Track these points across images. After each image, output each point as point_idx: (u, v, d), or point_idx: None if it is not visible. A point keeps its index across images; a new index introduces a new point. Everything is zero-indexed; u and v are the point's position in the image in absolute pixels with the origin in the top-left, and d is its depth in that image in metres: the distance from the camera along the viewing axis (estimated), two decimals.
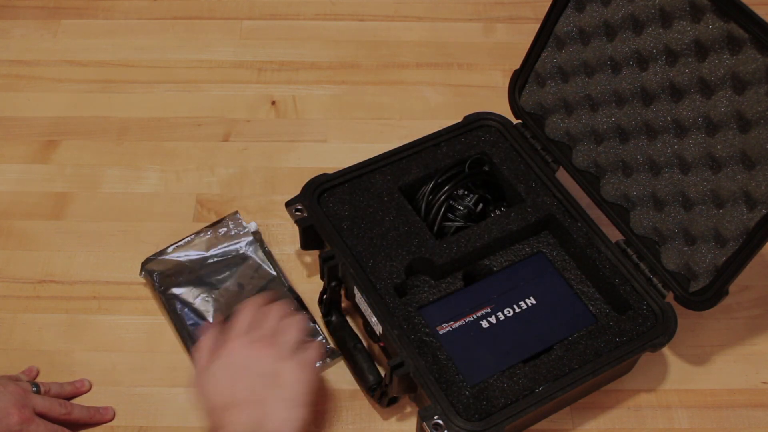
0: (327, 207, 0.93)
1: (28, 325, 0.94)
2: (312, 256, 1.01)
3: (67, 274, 0.99)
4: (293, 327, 0.78)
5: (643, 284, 0.87)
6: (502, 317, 0.86)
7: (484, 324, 0.86)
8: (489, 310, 0.87)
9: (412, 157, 0.98)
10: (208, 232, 1.00)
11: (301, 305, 0.95)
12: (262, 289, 0.96)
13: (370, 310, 0.86)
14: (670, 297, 0.87)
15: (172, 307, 0.94)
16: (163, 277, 0.96)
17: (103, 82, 1.20)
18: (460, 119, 1.02)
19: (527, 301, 0.88)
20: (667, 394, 0.91)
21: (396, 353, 0.82)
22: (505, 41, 1.28)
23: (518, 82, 1.00)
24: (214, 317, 0.93)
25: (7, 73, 1.21)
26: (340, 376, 0.91)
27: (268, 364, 0.74)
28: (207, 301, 0.94)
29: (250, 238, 1.00)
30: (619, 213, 0.91)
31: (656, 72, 0.85)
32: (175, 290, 0.95)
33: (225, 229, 1.00)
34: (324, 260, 0.88)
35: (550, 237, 0.94)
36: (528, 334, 0.85)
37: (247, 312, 0.80)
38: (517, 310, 0.87)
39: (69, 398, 0.88)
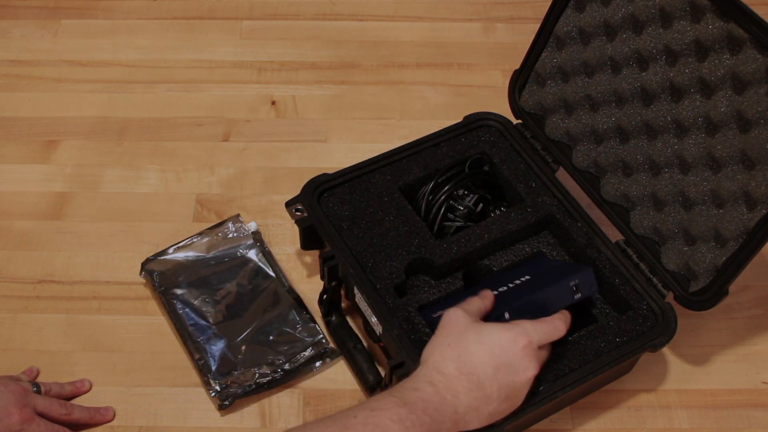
0: (327, 207, 0.93)
1: (28, 325, 0.94)
2: (312, 256, 1.01)
3: (67, 274, 0.99)
4: None
5: (643, 284, 0.87)
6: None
7: None
8: None
9: (412, 157, 0.98)
10: (209, 234, 1.00)
11: (300, 305, 0.95)
12: (262, 290, 0.96)
13: (370, 310, 0.86)
14: (670, 297, 0.87)
15: (172, 308, 0.94)
16: (163, 278, 0.96)
17: (103, 82, 1.20)
18: (460, 119, 1.02)
19: (522, 279, 0.86)
20: (667, 394, 0.91)
21: (396, 353, 0.82)
22: (505, 41, 1.28)
23: (518, 82, 1.00)
24: (214, 318, 0.93)
25: (7, 73, 1.21)
26: (340, 376, 0.91)
27: None
28: (207, 301, 0.94)
29: (251, 240, 1.00)
30: (619, 213, 0.91)
31: (656, 72, 0.85)
32: (176, 290, 0.95)
33: (226, 231, 1.00)
34: (324, 260, 0.88)
35: (550, 237, 0.94)
36: (522, 298, 0.83)
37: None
38: (511, 285, 0.85)
39: (69, 398, 0.88)
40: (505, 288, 0.85)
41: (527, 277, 0.87)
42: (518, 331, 0.75)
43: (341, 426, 0.67)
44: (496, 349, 0.74)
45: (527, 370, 0.74)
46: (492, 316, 0.81)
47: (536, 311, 0.81)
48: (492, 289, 0.84)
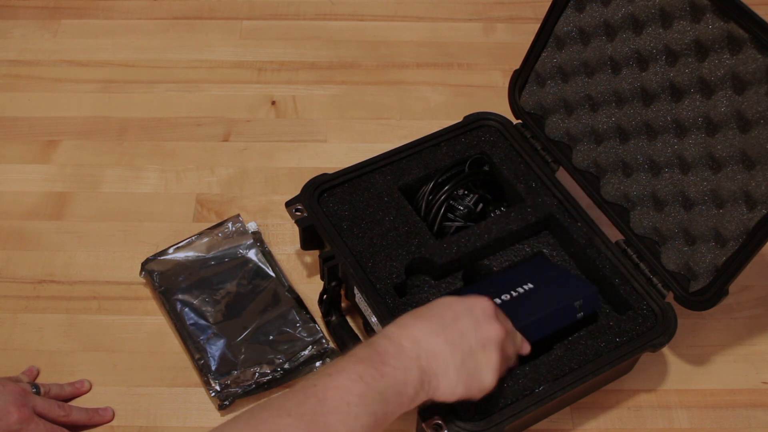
0: (327, 207, 0.93)
1: (28, 325, 0.94)
2: (312, 256, 1.01)
3: (67, 274, 0.99)
4: None
5: (643, 284, 0.87)
6: (498, 302, 0.83)
7: None
8: None
9: (412, 157, 0.98)
10: (209, 234, 1.00)
11: (301, 305, 0.95)
12: (262, 290, 0.96)
13: (370, 310, 0.86)
14: (670, 297, 0.87)
15: (172, 307, 0.94)
16: (163, 278, 0.96)
17: (103, 82, 1.20)
18: (460, 119, 1.02)
19: (525, 287, 0.85)
20: (667, 394, 0.91)
21: None
22: (505, 41, 1.28)
23: (518, 82, 1.00)
24: (213, 318, 0.93)
25: (7, 73, 1.21)
26: None
27: None
28: (207, 301, 0.94)
29: (251, 240, 1.00)
30: (619, 213, 0.91)
31: (656, 72, 0.85)
32: (176, 290, 0.95)
33: (226, 231, 1.00)
34: (324, 260, 0.88)
35: (550, 237, 0.94)
36: (527, 310, 0.82)
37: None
38: (515, 294, 0.84)
39: (69, 399, 0.88)
40: (508, 297, 0.84)
41: (530, 285, 0.85)
42: (483, 299, 0.74)
43: (302, 397, 0.63)
44: (457, 303, 0.72)
45: (491, 326, 0.71)
46: None
47: (538, 326, 0.81)
48: (493, 296, 0.82)
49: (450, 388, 0.69)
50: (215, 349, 0.90)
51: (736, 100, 0.79)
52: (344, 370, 0.65)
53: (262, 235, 1.02)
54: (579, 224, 0.92)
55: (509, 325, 0.76)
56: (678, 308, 0.86)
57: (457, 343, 0.70)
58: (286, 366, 0.89)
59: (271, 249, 1.01)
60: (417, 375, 0.67)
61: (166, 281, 0.96)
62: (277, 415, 0.62)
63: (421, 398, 0.68)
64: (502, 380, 0.80)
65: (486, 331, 0.71)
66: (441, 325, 0.70)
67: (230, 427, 0.62)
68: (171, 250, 0.98)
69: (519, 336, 0.77)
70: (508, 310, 0.80)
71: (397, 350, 0.68)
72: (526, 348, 0.78)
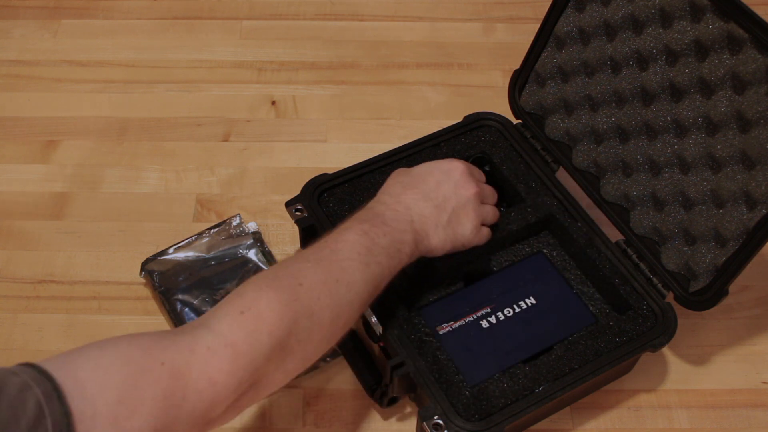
0: (327, 207, 0.93)
1: (28, 325, 0.94)
2: None
3: (67, 274, 0.99)
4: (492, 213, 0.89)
5: (643, 284, 0.87)
6: (502, 317, 0.86)
7: (484, 324, 0.86)
8: (489, 310, 0.87)
9: (412, 157, 0.98)
10: (209, 234, 1.00)
11: None
12: None
13: (370, 310, 0.86)
14: (670, 297, 0.87)
15: (172, 307, 0.94)
16: (163, 278, 0.96)
17: (103, 82, 1.20)
18: (460, 119, 1.02)
19: (527, 301, 0.88)
20: (667, 394, 0.91)
21: (396, 353, 0.82)
22: (505, 41, 1.28)
23: (518, 82, 1.00)
24: None
25: (7, 73, 1.21)
26: (340, 376, 0.91)
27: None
28: (207, 301, 0.94)
29: (251, 240, 1.00)
30: (619, 213, 0.91)
31: (656, 72, 0.85)
32: (176, 290, 0.95)
33: (226, 231, 1.00)
34: None
35: (550, 237, 0.94)
36: (528, 334, 0.85)
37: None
38: (517, 310, 0.87)
39: None
40: (511, 312, 0.87)
41: (532, 300, 0.88)
42: (456, 161, 0.87)
43: (317, 249, 0.74)
44: (436, 170, 0.85)
45: (467, 186, 0.84)
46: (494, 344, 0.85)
47: (534, 339, 0.85)
48: (496, 308, 0.87)
49: (440, 244, 0.82)
50: None
51: (736, 100, 0.79)
52: (351, 228, 0.76)
53: (262, 235, 1.02)
54: (579, 224, 0.92)
55: (481, 176, 0.91)
56: (678, 308, 0.86)
57: (441, 205, 0.83)
58: None
59: (271, 249, 1.01)
60: (411, 236, 0.79)
61: (166, 281, 0.96)
62: (297, 261, 0.72)
63: (416, 255, 0.81)
64: (502, 380, 0.80)
65: (464, 193, 0.84)
66: (426, 192, 0.83)
67: (262, 276, 0.70)
68: (171, 250, 0.99)
69: (488, 188, 0.90)
70: (510, 329, 0.85)
71: (394, 214, 0.80)
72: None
